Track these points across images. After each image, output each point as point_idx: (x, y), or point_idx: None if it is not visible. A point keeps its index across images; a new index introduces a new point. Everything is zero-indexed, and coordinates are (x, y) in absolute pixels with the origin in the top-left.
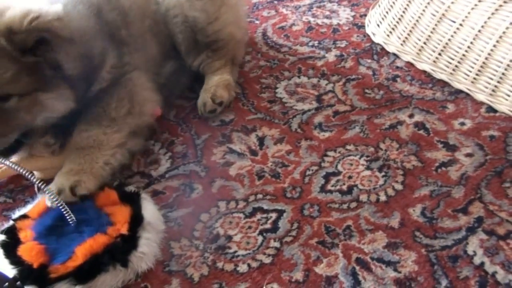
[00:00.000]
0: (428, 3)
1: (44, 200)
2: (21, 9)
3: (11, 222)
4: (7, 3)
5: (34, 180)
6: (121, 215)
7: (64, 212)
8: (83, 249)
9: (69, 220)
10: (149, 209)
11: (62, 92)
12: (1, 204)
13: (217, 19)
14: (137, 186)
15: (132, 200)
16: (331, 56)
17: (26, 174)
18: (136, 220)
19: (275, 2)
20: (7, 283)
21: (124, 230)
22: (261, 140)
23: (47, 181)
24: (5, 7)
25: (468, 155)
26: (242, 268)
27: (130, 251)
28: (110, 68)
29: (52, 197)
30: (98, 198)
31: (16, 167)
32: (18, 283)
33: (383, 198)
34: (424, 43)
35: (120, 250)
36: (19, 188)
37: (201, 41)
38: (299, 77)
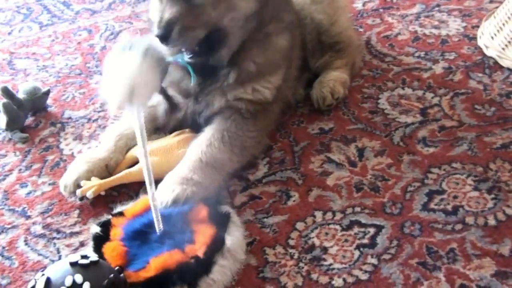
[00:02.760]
0: None
1: (140, 203)
2: None
3: (108, 217)
4: None
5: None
6: (203, 236)
7: (156, 220)
8: (158, 262)
9: (157, 228)
10: (234, 234)
11: None
12: (107, 196)
13: (336, 21)
14: (234, 189)
15: (220, 222)
16: (438, 68)
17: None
18: (216, 244)
19: (381, 10)
20: (112, 274)
21: (200, 252)
22: (360, 151)
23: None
24: None
25: None
26: (338, 282)
27: (201, 275)
28: None
29: (155, 202)
30: (190, 211)
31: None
32: (122, 275)
33: (492, 222)
34: None
35: (191, 272)
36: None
37: (325, 41)
38: (403, 88)
